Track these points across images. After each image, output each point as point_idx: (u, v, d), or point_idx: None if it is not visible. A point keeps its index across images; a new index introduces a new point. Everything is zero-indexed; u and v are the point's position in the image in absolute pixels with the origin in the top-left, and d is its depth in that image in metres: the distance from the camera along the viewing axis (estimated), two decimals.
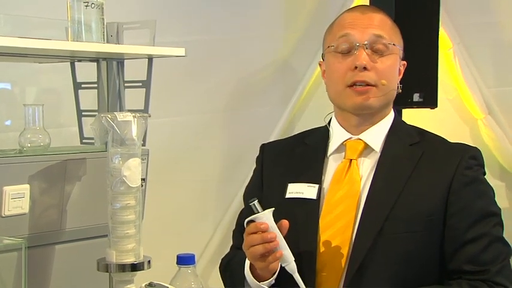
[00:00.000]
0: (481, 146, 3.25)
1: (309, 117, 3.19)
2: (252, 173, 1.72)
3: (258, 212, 1.40)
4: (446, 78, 3.21)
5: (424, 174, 1.50)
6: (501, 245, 1.49)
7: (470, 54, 3.23)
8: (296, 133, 1.74)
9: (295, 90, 3.17)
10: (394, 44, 1.54)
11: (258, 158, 1.70)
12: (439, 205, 1.47)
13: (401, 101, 2.83)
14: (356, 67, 1.50)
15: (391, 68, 1.54)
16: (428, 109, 2.94)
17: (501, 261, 1.47)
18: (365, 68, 1.50)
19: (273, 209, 1.42)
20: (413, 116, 2.92)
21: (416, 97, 2.86)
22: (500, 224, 1.51)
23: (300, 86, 3.18)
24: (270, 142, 1.74)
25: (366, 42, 1.51)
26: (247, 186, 1.71)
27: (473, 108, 3.26)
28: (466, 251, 1.46)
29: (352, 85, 1.51)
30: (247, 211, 1.52)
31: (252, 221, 1.41)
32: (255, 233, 1.39)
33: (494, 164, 3.29)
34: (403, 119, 2.89)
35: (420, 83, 2.87)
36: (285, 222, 1.42)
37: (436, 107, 2.93)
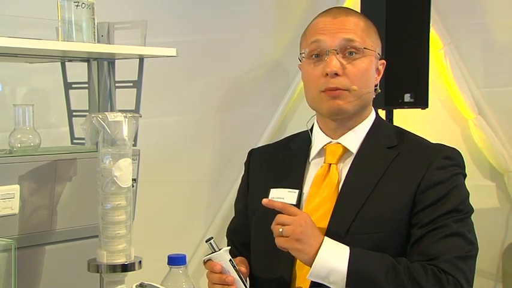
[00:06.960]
0: (472, 146, 3.27)
1: (300, 117, 3.18)
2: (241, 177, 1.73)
3: (215, 251, 1.46)
4: (437, 78, 3.21)
5: (397, 175, 1.49)
6: (460, 240, 1.43)
7: (461, 54, 3.23)
8: (284, 137, 1.74)
9: (286, 91, 3.17)
10: (366, 48, 1.52)
11: (245, 163, 1.71)
12: (407, 205, 1.46)
13: (393, 101, 2.85)
14: (327, 74, 1.50)
15: (364, 71, 1.52)
16: (420, 109, 2.95)
17: (455, 254, 1.41)
18: (337, 74, 1.50)
19: (229, 248, 1.48)
20: (404, 116, 2.93)
21: (407, 97, 2.87)
22: (466, 222, 1.46)
23: (292, 87, 3.17)
24: (258, 147, 1.75)
25: (336, 48, 1.51)
26: (237, 192, 1.73)
27: (464, 108, 3.26)
28: (420, 244, 1.43)
29: (325, 90, 1.51)
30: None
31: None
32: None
33: (484, 164, 3.30)
34: (394, 119, 2.94)
35: (411, 84, 2.87)
36: (243, 259, 1.52)
37: (427, 107, 2.93)
